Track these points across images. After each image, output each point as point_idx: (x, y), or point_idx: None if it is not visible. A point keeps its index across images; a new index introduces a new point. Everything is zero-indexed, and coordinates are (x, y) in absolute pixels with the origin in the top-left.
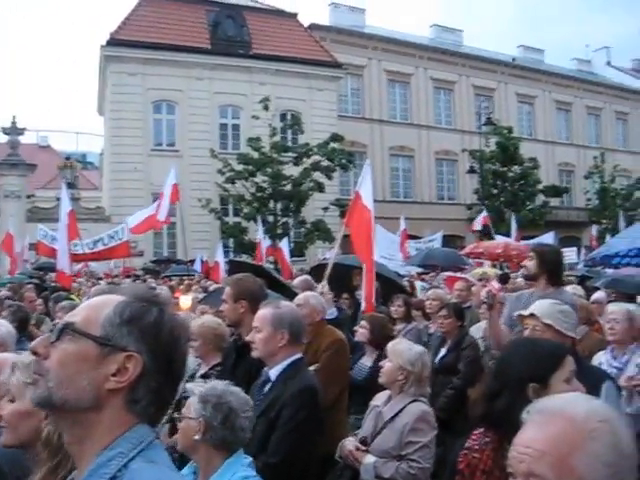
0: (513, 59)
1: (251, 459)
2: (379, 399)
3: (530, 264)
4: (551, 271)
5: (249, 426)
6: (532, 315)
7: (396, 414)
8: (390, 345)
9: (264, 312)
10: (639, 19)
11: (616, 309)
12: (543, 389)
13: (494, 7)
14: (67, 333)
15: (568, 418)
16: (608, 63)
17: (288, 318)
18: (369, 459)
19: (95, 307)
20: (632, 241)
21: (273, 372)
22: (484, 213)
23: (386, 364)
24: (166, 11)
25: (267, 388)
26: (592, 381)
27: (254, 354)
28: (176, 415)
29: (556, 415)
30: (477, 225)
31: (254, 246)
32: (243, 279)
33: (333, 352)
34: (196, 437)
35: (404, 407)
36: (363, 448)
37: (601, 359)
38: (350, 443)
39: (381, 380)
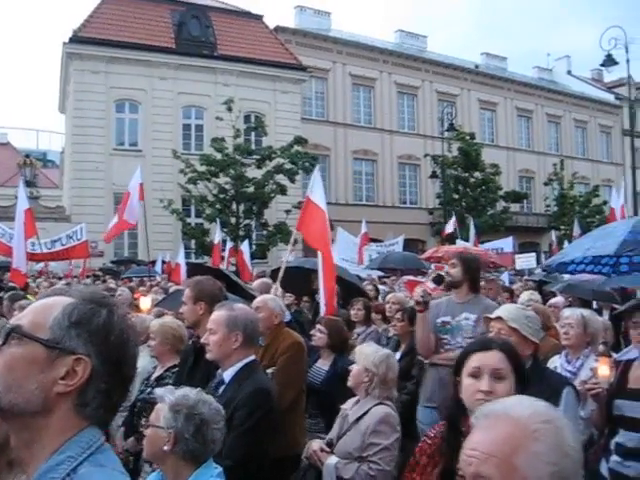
0: (476, 66)
1: (221, 469)
2: (348, 403)
3: (454, 271)
4: (473, 278)
5: (220, 437)
6: (499, 318)
7: (361, 416)
8: (358, 348)
9: (218, 314)
10: (599, 31)
11: (571, 314)
12: (459, 383)
13: (459, 14)
14: (14, 337)
15: (512, 420)
16: (569, 72)
17: (242, 320)
18: (331, 460)
19: (43, 309)
20: (588, 249)
21: (227, 374)
22: (454, 217)
23: (354, 367)
24: (130, 9)
25: (221, 390)
26: (552, 386)
27: (208, 356)
28: (143, 422)
29: (501, 418)
30: (449, 228)
31: (220, 248)
32: (203, 281)
33: (290, 355)
34: (165, 448)
35: (369, 409)
36: (327, 449)
37: (556, 363)
38: (316, 444)
39: (349, 383)
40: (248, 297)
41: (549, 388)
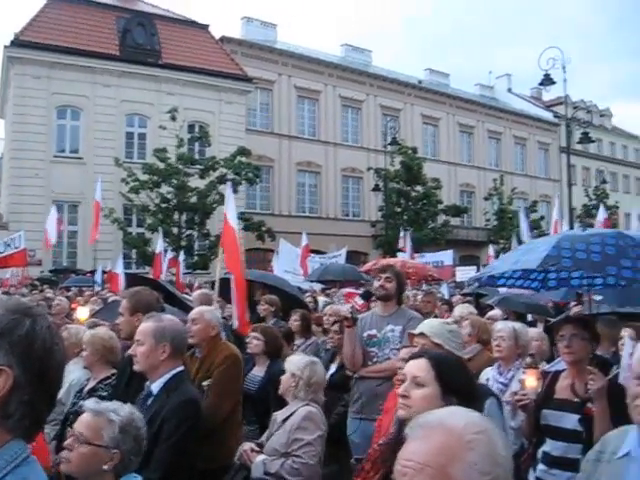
0: (420, 81)
1: (140, 478)
2: (281, 410)
3: (391, 285)
4: (401, 292)
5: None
6: (422, 334)
7: (287, 417)
8: (288, 358)
9: (146, 325)
10: (538, 50)
11: (503, 327)
12: None
13: (404, 30)
14: None
15: (447, 430)
16: (509, 90)
17: (170, 331)
18: (259, 457)
19: None
20: (514, 262)
21: (155, 386)
22: (403, 233)
23: (284, 376)
24: (75, 14)
25: (149, 402)
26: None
27: (136, 368)
28: (73, 436)
29: (435, 428)
30: (401, 243)
31: (161, 258)
32: (140, 292)
33: (226, 367)
34: (105, 467)
35: (295, 411)
36: (257, 449)
37: (488, 375)
38: (247, 445)
39: (280, 391)
40: (185, 308)
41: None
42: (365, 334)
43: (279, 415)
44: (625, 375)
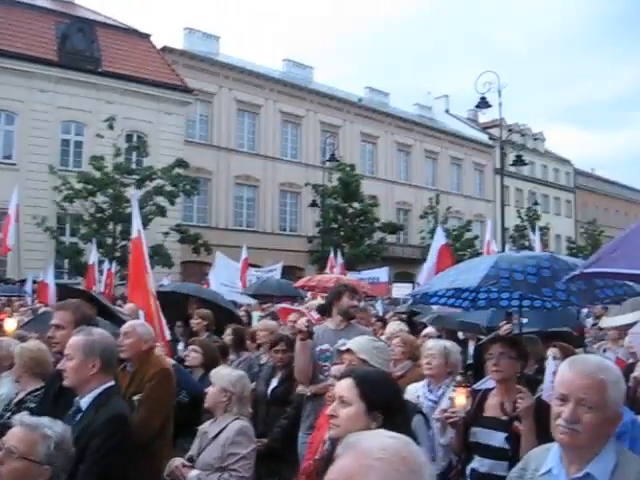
0: (359, 99)
1: None
2: (206, 424)
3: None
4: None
5: None
6: (349, 350)
7: (219, 432)
8: (213, 371)
9: (76, 339)
10: (476, 73)
11: (433, 345)
12: None
13: (346, 48)
14: None
15: (356, 452)
16: (447, 111)
17: (100, 346)
18: (193, 472)
19: None
20: (452, 281)
21: (84, 401)
22: (331, 254)
23: (210, 389)
24: (13, 18)
25: (78, 418)
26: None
27: (65, 383)
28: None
29: (350, 448)
30: (328, 270)
31: (94, 269)
32: (82, 305)
33: (157, 382)
34: None
35: (227, 425)
36: (188, 464)
37: (419, 392)
38: (177, 460)
39: (206, 404)
40: (119, 321)
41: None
42: (318, 348)
43: (209, 430)
44: (547, 394)
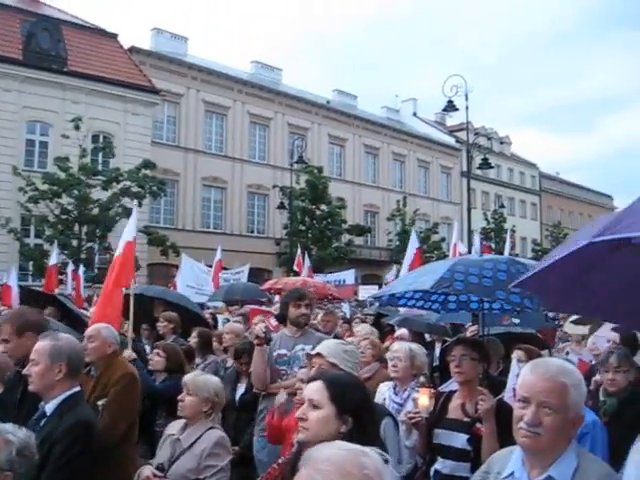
0: (328, 102)
1: None
2: (174, 428)
3: (309, 311)
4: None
5: None
6: (318, 354)
7: (195, 441)
8: (189, 379)
9: (42, 344)
10: (444, 77)
11: (399, 348)
12: None
13: (314, 50)
14: None
15: (310, 462)
16: (414, 114)
17: (66, 351)
18: None
19: None
20: (410, 284)
21: (49, 406)
22: (298, 252)
23: (186, 398)
24: None
25: (42, 423)
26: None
27: (31, 388)
28: None
29: (307, 459)
30: (295, 267)
31: (56, 270)
32: (21, 312)
33: (122, 387)
34: None
35: (202, 434)
36: (160, 474)
37: (385, 395)
38: (147, 470)
39: (183, 413)
40: (82, 324)
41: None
42: (275, 353)
43: (182, 438)
44: (508, 395)
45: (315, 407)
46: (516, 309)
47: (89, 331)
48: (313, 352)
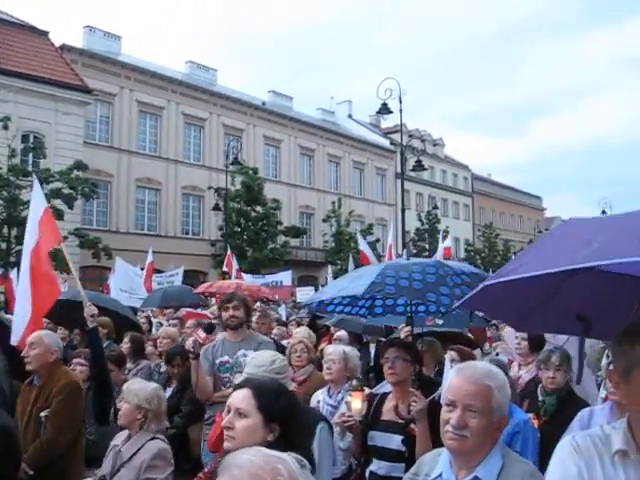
0: (263, 103)
1: None
2: (118, 438)
3: (239, 313)
4: (249, 317)
5: None
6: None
7: (135, 452)
8: (125, 386)
9: None
10: (379, 79)
11: (333, 350)
12: None
13: (252, 50)
14: None
15: (224, 468)
16: (349, 116)
17: None
18: None
19: None
20: (340, 289)
21: None
22: (229, 251)
23: (123, 405)
24: None
25: None
26: (307, 422)
27: None
28: None
29: (223, 464)
30: (225, 267)
31: None
32: None
33: (65, 397)
34: None
35: (143, 445)
36: None
37: (319, 397)
38: None
39: (120, 422)
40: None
41: (305, 426)
42: (217, 361)
43: (124, 449)
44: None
45: (242, 416)
46: (441, 310)
47: (31, 338)
48: (239, 380)
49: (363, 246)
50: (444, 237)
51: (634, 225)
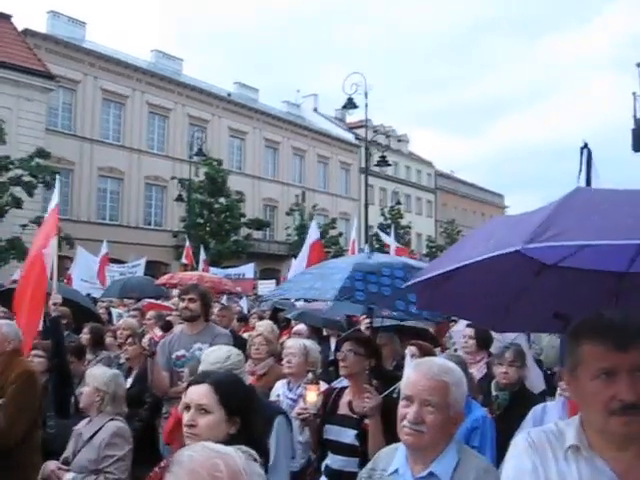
0: (229, 94)
1: None
2: (80, 424)
3: (194, 306)
4: (207, 309)
5: None
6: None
7: (95, 433)
8: (88, 371)
9: None
10: (345, 73)
11: (293, 344)
12: None
13: (216, 41)
14: None
15: (173, 463)
16: (315, 110)
17: None
18: (69, 476)
19: None
20: (308, 289)
21: None
22: (187, 244)
23: (85, 389)
24: None
25: None
26: (266, 417)
27: None
28: None
29: (174, 461)
30: (184, 259)
31: None
32: None
33: (19, 385)
34: None
35: (102, 426)
36: (65, 467)
37: (279, 391)
38: (52, 464)
39: (81, 405)
40: None
41: (263, 419)
42: (174, 355)
43: (84, 431)
44: None
45: (205, 412)
46: (408, 318)
47: None
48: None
49: (311, 235)
50: (403, 232)
51: (525, 220)
